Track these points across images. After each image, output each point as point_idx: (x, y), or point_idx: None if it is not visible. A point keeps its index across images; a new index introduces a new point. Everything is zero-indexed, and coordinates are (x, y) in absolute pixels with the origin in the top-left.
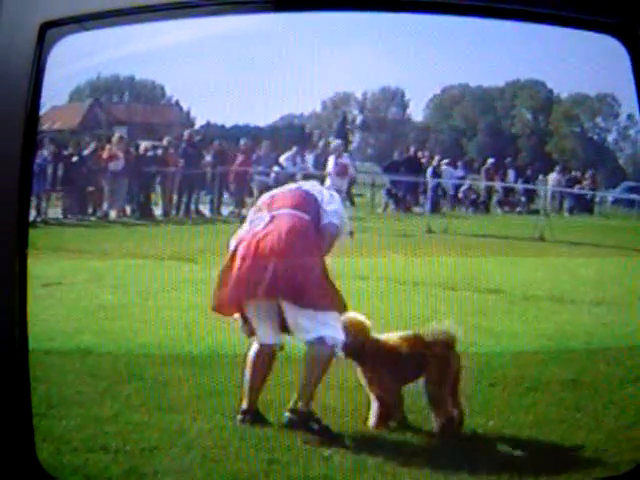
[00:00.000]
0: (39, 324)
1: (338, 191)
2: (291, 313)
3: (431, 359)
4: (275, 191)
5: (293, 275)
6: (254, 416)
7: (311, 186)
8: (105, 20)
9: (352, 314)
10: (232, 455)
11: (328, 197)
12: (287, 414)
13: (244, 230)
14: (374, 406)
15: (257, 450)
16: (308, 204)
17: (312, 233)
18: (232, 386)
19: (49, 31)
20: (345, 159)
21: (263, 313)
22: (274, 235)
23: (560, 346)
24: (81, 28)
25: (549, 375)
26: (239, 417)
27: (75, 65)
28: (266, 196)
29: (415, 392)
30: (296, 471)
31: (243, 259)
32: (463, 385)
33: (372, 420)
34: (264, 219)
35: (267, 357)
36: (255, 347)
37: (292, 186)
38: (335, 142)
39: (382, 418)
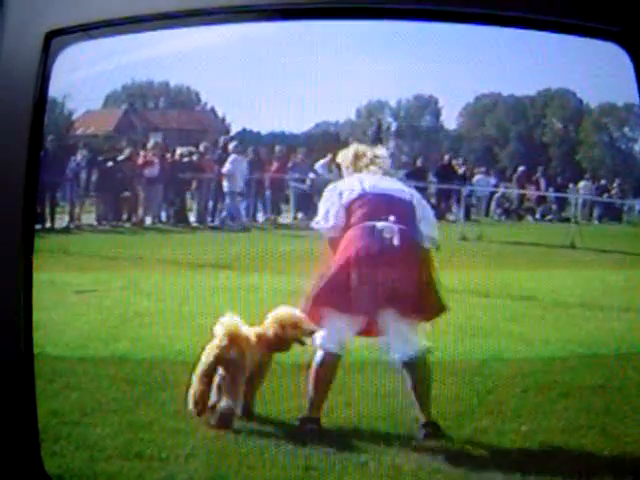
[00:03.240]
0: (72, 331)
1: None
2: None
3: None
4: (372, 193)
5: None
6: (318, 424)
7: (404, 193)
8: (111, 28)
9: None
10: (268, 462)
11: (422, 209)
12: (422, 431)
13: (350, 236)
14: None
15: (293, 457)
16: (409, 216)
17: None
18: (268, 393)
19: (54, 40)
20: None
21: (352, 324)
22: (389, 252)
23: (590, 352)
24: (87, 36)
25: (580, 381)
26: (307, 426)
27: (82, 73)
28: (364, 200)
29: (449, 399)
30: (332, 478)
31: (354, 268)
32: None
33: None
34: (373, 230)
35: (333, 366)
36: (321, 356)
37: (391, 190)
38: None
39: None
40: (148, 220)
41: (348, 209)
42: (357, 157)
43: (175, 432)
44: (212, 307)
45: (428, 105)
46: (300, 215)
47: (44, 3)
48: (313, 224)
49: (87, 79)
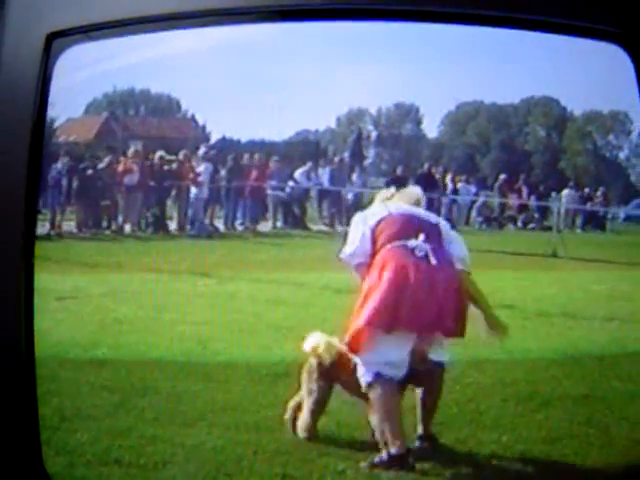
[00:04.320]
0: (53, 337)
1: None
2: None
3: None
4: (398, 214)
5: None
6: (408, 457)
7: (430, 216)
8: (112, 30)
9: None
10: (246, 470)
11: (448, 231)
12: (417, 443)
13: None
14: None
15: (271, 465)
16: (437, 237)
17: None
18: (246, 401)
19: (55, 41)
20: None
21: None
22: (427, 270)
23: (573, 362)
24: (88, 38)
25: (562, 391)
26: (408, 460)
27: (83, 75)
28: (408, 217)
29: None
30: None
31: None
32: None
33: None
34: (406, 249)
35: (395, 390)
36: (380, 385)
37: (416, 212)
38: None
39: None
40: (128, 227)
41: (374, 231)
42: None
43: (154, 439)
44: (191, 315)
45: (409, 113)
46: (279, 223)
47: (45, 4)
48: (341, 255)
49: (70, 86)
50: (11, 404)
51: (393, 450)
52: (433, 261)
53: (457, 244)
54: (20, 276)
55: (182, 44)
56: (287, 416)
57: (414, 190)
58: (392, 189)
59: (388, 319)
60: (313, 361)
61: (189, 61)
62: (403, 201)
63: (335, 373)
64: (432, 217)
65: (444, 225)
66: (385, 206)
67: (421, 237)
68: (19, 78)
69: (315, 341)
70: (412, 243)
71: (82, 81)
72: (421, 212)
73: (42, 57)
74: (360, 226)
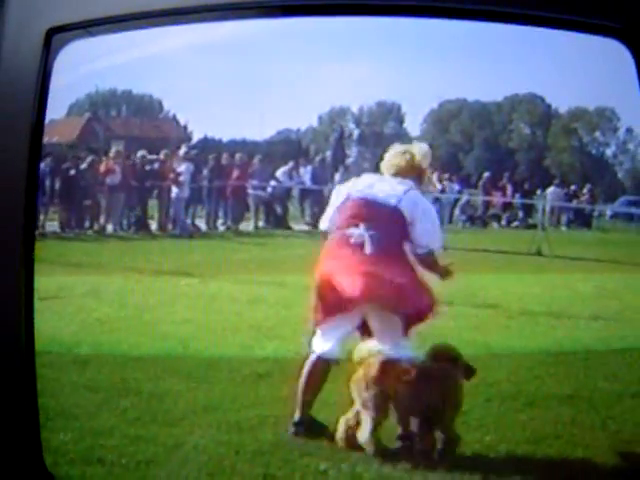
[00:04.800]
0: (35, 337)
1: None
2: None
3: None
4: (353, 198)
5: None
6: (308, 426)
7: (390, 197)
8: (112, 25)
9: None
10: (228, 469)
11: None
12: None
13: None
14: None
15: (252, 465)
16: (390, 222)
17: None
18: (228, 401)
19: (55, 37)
20: None
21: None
22: (360, 259)
23: (557, 361)
24: (88, 34)
25: (546, 390)
26: (292, 429)
27: (81, 71)
28: (355, 201)
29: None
30: None
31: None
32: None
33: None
34: (343, 238)
35: (322, 371)
36: (312, 360)
37: (375, 195)
38: None
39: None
40: (110, 228)
41: (337, 213)
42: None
43: (136, 439)
44: (172, 314)
45: (391, 111)
46: (261, 223)
47: (44, 0)
48: (320, 227)
49: (54, 87)
50: (12, 403)
51: (295, 417)
52: (368, 250)
53: (422, 225)
54: (20, 275)
55: (164, 44)
56: (340, 435)
57: (396, 156)
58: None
59: (317, 313)
60: (361, 372)
61: (171, 61)
62: (385, 169)
63: (386, 380)
64: (394, 199)
65: (409, 205)
66: (353, 184)
67: (362, 226)
68: (19, 73)
69: (365, 350)
70: (350, 231)
71: (65, 82)
72: (383, 193)
73: (42, 52)
74: (334, 200)
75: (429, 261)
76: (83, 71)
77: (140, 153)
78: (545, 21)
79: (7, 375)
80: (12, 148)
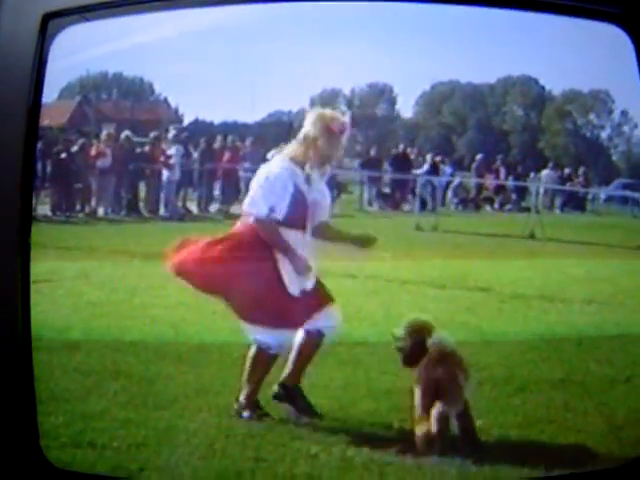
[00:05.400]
0: None
1: None
2: None
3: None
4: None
5: None
6: (252, 409)
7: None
8: (107, 11)
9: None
10: (218, 453)
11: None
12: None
13: None
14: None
15: (243, 448)
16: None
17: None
18: (219, 384)
19: (51, 22)
20: None
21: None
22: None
23: (550, 345)
24: (83, 19)
25: (538, 375)
26: (235, 407)
27: (77, 56)
28: None
29: (402, 391)
30: (282, 469)
31: None
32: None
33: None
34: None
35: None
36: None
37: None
38: None
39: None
40: (101, 211)
41: None
42: None
43: (126, 422)
44: (163, 298)
45: (383, 93)
46: None
47: None
48: None
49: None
50: (9, 389)
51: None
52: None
53: (250, 191)
54: (16, 261)
55: (158, 28)
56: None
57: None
58: None
59: None
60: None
61: (163, 44)
62: None
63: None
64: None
65: (258, 177)
66: None
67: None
68: (15, 59)
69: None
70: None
71: (60, 66)
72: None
73: (38, 38)
74: None
75: (259, 228)
76: (78, 56)
77: (131, 136)
78: (545, 6)
79: (4, 362)
80: (8, 135)
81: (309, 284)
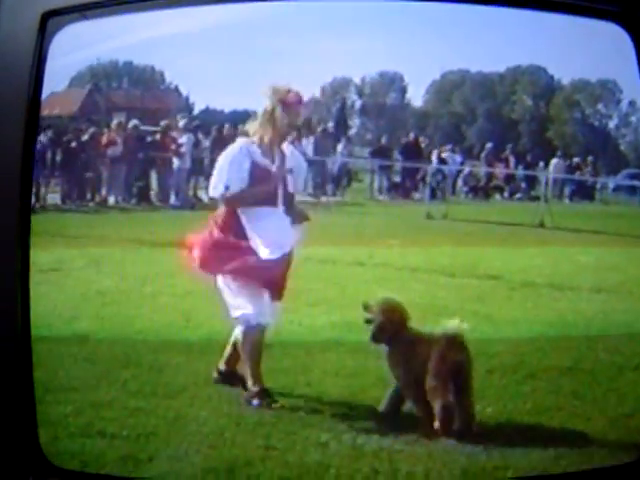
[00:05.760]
0: (35, 310)
1: None
2: None
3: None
4: None
5: None
6: (261, 397)
7: None
8: (107, 9)
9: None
10: (228, 441)
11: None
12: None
13: None
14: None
15: (253, 436)
16: None
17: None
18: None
19: (50, 20)
20: None
21: None
22: None
23: (559, 333)
24: (83, 17)
25: (548, 362)
26: (244, 395)
27: (77, 54)
28: None
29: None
30: (292, 457)
31: None
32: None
33: (384, 406)
34: None
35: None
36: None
37: None
38: None
39: (394, 406)
40: (111, 199)
41: None
42: None
43: (136, 411)
44: (173, 287)
45: (393, 82)
46: None
47: None
48: None
49: (55, 63)
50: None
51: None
52: None
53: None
54: (16, 253)
55: (167, 19)
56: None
57: None
58: None
59: None
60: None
61: (172, 35)
62: None
63: None
64: None
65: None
66: None
67: None
68: (14, 57)
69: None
70: None
71: (70, 60)
72: None
73: (37, 36)
74: None
75: (225, 206)
76: (84, 51)
77: (139, 124)
78: (546, 5)
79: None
80: (7, 133)
81: (278, 253)
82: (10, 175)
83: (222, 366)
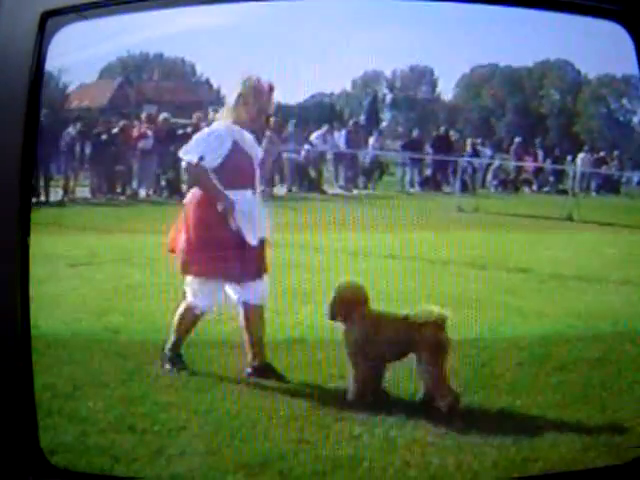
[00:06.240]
0: (65, 305)
1: None
2: None
3: (421, 342)
4: None
5: None
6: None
7: None
8: (106, 9)
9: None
10: (261, 435)
11: None
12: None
13: None
14: (350, 379)
15: (286, 430)
16: None
17: None
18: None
19: (50, 20)
20: None
21: None
22: None
23: (587, 325)
24: (82, 17)
25: (576, 354)
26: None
27: (106, 46)
28: None
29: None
30: (325, 450)
31: None
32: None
33: (349, 394)
34: None
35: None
36: None
37: None
38: None
39: (357, 392)
40: (142, 192)
41: None
42: None
43: (168, 405)
44: None
45: (424, 76)
46: (295, 187)
47: None
48: None
49: (83, 54)
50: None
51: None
52: None
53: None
54: (16, 251)
55: (195, 11)
56: None
57: None
58: None
59: None
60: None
61: (203, 27)
62: None
63: None
64: None
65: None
66: None
67: None
68: (14, 57)
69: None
70: None
71: (92, 51)
72: None
73: (37, 36)
74: None
75: (189, 173)
76: (112, 43)
77: (169, 117)
78: (547, 3)
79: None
80: (7, 133)
81: (252, 238)
82: (10, 175)
83: (254, 362)
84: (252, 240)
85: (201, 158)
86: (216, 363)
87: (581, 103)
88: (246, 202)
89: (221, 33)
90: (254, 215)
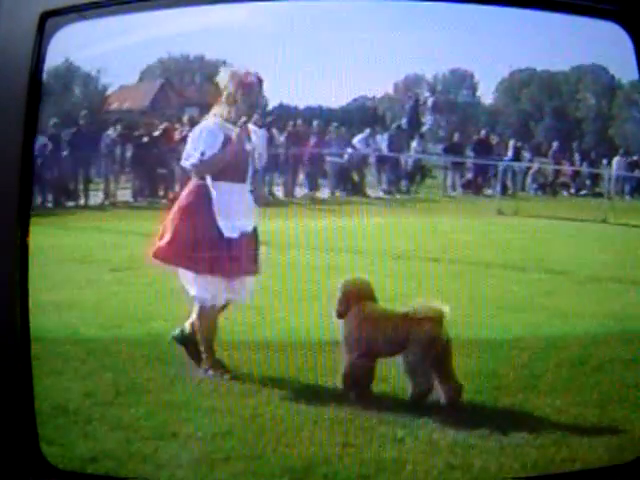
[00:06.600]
0: (107, 311)
1: None
2: None
3: (417, 337)
4: None
5: None
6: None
7: None
8: (106, 9)
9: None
10: (305, 439)
11: None
12: None
13: None
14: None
15: (330, 434)
16: None
17: None
18: (307, 370)
19: (49, 20)
20: None
21: None
22: None
23: (624, 326)
24: (81, 17)
25: (613, 355)
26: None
27: (150, 48)
28: None
29: (485, 374)
30: (369, 454)
31: None
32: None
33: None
34: None
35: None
36: None
37: None
38: None
39: (344, 384)
40: None
41: None
42: None
43: (212, 411)
44: None
45: (464, 79)
46: (338, 190)
47: None
48: None
49: (120, 54)
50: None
51: None
52: None
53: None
54: (15, 259)
55: (237, 12)
56: None
57: None
58: None
59: None
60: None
61: (245, 29)
62: None
63: None
64: None
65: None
66: None
67: None
68: (13, 57)
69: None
70: None
71: (136, 48)
72: None
73: (36, 36)
74: None
75: (197, 173)
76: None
77: (187, 115)
78: (547, 4)
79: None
80: (7, 133)
81: (229, 231)
82: (9, 175)
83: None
84: (230, 233)
85: (202, 154)
86: (260, 367)
87: (616, 107)
88: (228, 194)
89: (264, 36)
90: (235, 209)
